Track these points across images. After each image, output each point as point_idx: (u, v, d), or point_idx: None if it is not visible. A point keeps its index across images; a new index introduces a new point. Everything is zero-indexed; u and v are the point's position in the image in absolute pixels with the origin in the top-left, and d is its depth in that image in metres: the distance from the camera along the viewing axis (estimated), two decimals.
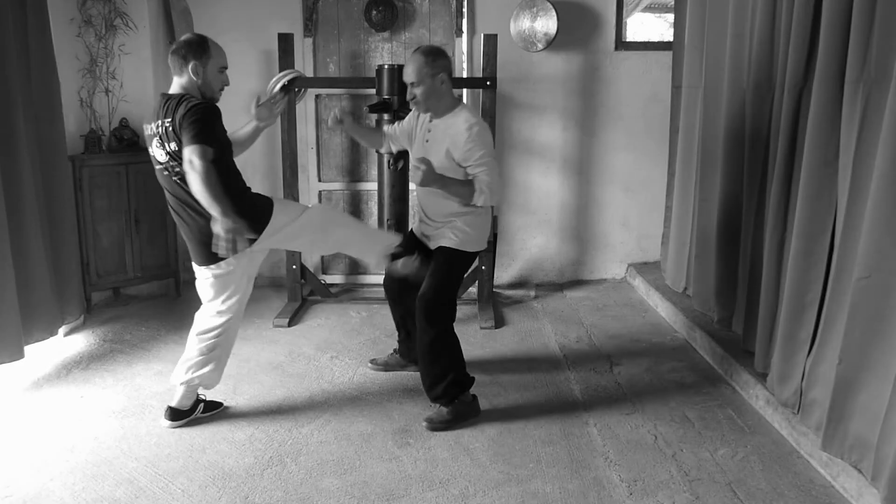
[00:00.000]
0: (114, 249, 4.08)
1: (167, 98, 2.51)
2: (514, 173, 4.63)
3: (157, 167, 2.60)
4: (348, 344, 3.63)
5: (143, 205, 4.17)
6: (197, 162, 2.31)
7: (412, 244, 2.95)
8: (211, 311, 2.71)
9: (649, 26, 6.47)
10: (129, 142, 4.15)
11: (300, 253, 4.21)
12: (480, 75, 4.10)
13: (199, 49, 2.47)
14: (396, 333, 3.26)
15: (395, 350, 3.31)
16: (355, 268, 4.78)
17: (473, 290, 4.27)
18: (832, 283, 2.42)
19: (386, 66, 3.70)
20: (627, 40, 4.57)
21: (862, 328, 2.21)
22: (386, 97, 3.69)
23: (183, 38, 2.55)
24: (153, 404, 2.93)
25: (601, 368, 3.33)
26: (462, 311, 4.16)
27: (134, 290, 4.42)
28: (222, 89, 2.59)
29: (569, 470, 2.44)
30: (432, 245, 2.84)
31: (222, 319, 2.70)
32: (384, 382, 3.16)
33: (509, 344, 3.66)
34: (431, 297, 2.70)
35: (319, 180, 4.65)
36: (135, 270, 4.18)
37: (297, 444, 2.62)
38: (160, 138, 2.50)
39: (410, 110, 3.53)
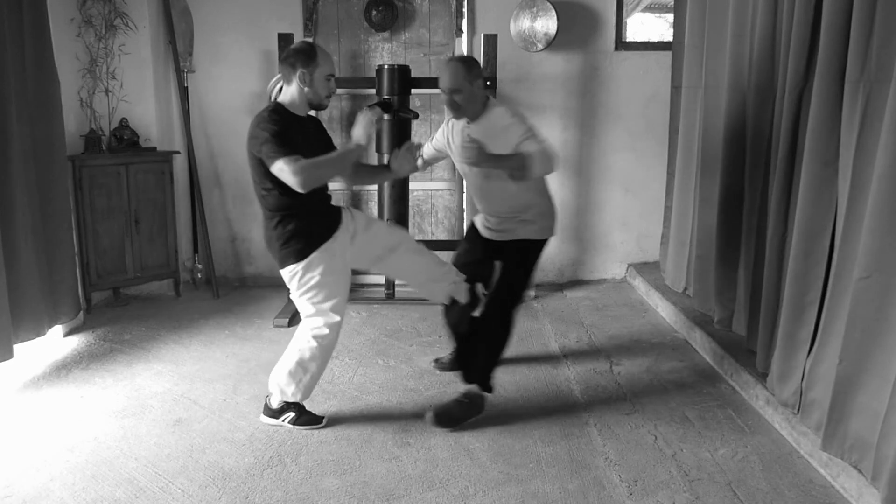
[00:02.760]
0: (114, 249, 4.09)
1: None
2: None
3: None
4: (348, 344, 3.63)
5: (143, 205, 4.17)
6: (292, 179, 2.34)
7: (475, 240, 2.98)
8: (303, 317, 2.68)
9: (649, 26, 6.47)
10: (129, 142, 4.15)
11: None
12: None
13: (308, 57, 2.49)
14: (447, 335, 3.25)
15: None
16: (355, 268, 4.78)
17: None
18: (832, 283, 2.42)
19: (386, 66, 3.70)
20: (627, 40, 4.57)
21: (862, 328, 2.21)
22: (386, 97, 3.69)
23: (292, 46, 2.58)
24: (153, 404, 2.93)
25: (601, 368, 3.33)
26: None
27: (134, 290, 4.42)
28: (329, 97, 2.59)
29: (569, 470, 2.44)
30: (502, 238, 2.87)
31: (309, 327, 2.64)
32: (384, 382, 3.16)
33: (509, 344, 3.65)
34: (509, 291, 2.81)
35: None
36: (135, 270, 4.19)
37: (297, 444, 2.61)
38: None
39: (411, 110, 3.52)
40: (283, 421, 2.73)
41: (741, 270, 3.30)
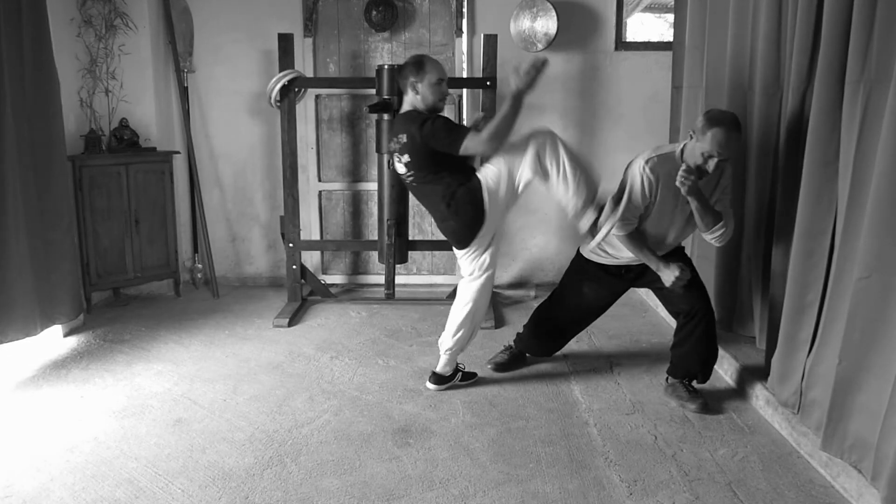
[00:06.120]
0: (114, 249, 4.09)
1: (400, 116, 2.89)
2: None
3: (401, 176, 2.94)
4: (348, 344, 3.63)
5: (143, 205, 4.17)
6: (483, 149, 2.72)
7: (601, 280, 3.16)
8: (468, 282, 3.00)
9: (649, 26, 6.47)
10: (129, 142, 4.15)
11: (300, 253, 4.22)
12: (480, 75, 4.10)
13: (416, 68, 2.84)
14: (530, 330, 3.32)
15: (514, 348, 3.37)
16: (356, 268, 4.78)
17: None
18: (832, 283, 2.42)
19: (386, 67, 3.70)
20: (627, 40, 4.57)
21: (862, 328, 2.21)
22: (386, 97, 3.69)
23: (405, 61, 2.92)
24: (153, 404, 2.93)
25: (601, 368, 3.33)
26: None
27: (134, 290, 4.42)
28: (442, 99, 2.88)
29: (569, 470, 2.44)
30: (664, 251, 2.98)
31: (473, 290, 2.98)
32: (384, 382, 3.16)
33: None
34: (708, 299, 2.94)
35: (319, 180, 4.65)
36: (135, 270, 4.19)
37: (297, 444, 2.62)
38: (398, 153, 2.85)
39: None
40: (456, 380, 3.08)
41: (742, 271, 3.30)
